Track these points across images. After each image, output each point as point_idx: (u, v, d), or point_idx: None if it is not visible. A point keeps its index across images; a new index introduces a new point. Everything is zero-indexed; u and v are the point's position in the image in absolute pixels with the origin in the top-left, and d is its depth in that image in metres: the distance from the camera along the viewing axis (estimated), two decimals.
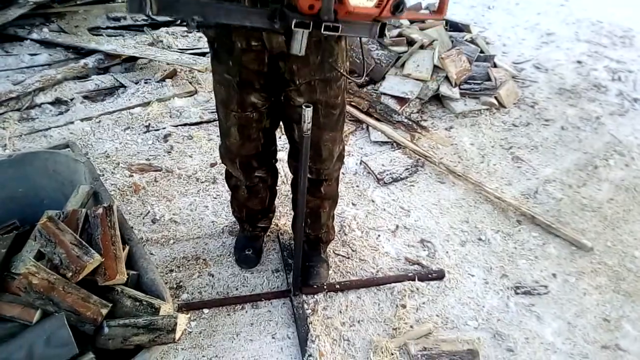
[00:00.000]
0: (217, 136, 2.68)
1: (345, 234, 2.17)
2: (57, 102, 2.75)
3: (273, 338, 1.73)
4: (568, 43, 4.01)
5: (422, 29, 3.34)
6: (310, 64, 1.36)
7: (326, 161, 1.63)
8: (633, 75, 3.59)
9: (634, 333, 1.83)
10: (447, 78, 3.07)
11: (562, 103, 3.22)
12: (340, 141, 1.64)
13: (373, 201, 2.38)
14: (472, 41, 3.39)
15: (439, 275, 2.00)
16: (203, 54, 3.28)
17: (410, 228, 2.26)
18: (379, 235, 2.20)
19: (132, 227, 1.42)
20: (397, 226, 2.26)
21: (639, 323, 1.87)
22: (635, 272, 2.08)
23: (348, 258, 2.07)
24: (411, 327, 1.78)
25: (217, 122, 1.64)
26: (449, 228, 2.27)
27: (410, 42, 3.22)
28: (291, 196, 1.96)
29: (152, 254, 2.00)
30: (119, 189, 2.26)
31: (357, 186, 2.46)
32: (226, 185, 1.91)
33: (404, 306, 1.85)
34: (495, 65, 3.31)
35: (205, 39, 1.47)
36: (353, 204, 2.34)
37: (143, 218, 2.16)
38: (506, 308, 1.89)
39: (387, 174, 2.55)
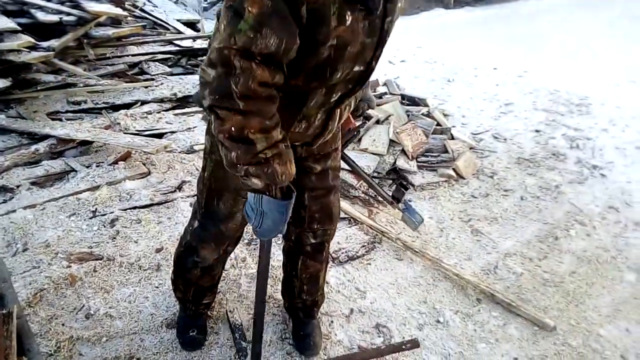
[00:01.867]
0: (168, 218, 2.61)
1: None
2: (2, 189, 2.66)
3: None
4: (526, 112, 4.10)
5: (378, 105, 3.39)
6: (329, 139, 1.47)
7: (334, 221, 1.70)
8: (591, 142, 3.64)
9: None
10: (403, 152, 3.07)
11: (521, 172, 3.22)
12: None
13: (327, 282, 2.26)
14: (429, 114, 3.44)
15: None
16: (159, 135, 3.26)
17: (365, 312, 2.13)
18: (332, 322, 2.06)
19: (34, 335, 1.29)
20: (352, 310, 2.14)
21: None
22: (601, 352, 1.96)
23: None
24: None
25: (205, 210, 1.55)
26: (406, 310, 2.15)
27: (367, 118, 3.25)
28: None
29: (81, 354, 1.84)
30: (53, 281, 2.12)
31: None
32: (174, 266, 1.80)
33: None
34: (452, 137, 3.34)
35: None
36: None
37: (76, 313, 2.01)
38: None
39: (342, 252, 2.46)
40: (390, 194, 2.05)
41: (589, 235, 2.65)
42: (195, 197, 1.65)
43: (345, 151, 3.09)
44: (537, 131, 3.79)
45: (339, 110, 1.34)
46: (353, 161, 1.96)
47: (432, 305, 2.17)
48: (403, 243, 2.49)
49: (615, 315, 2.16)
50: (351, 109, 1.48)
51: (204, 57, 1.06)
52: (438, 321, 2.09)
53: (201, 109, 1.09)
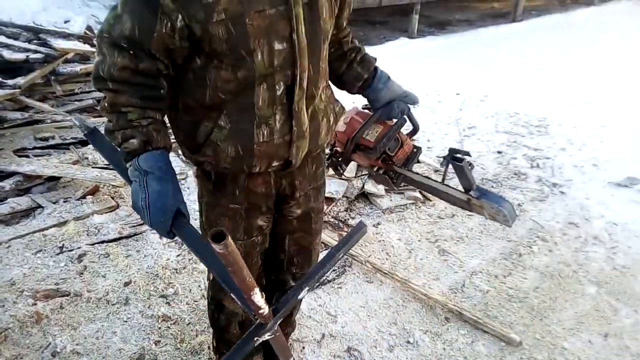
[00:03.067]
0: (137, 251, 2.59)
1: None
2: None
3: None
4: (488, 135, 4.25)
5: None
6: (307, 175, 1.44)
7: (313, 264, 1.65)
8: (550, 161, 3.79)
9: None
10: (371, 175, 3.14)
11: None
12: None
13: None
14: None
15: None
16: None
17: (336, 336, 2.15)
18: (303, 348, 2.07)
19: None
20: (323, 335, 2.15)
21: None
22: None
23: None
24: None
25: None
26: (377, 332, 2.17)
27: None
28: None
29: None
30: (18, 320, 2.08)
31: None
32: (213, 329, 1.75)
33: None
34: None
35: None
36: None
37: (42, 352, 1.97)
38: None
39: None
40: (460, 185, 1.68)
41: (550, 251, 2.74)
42: None
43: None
44: (499, 152, 3.93)
45: (302, 110, 1.23)
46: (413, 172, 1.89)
47: (402, 326, 2.20)
48: (373, 265, 2.54)
49: (578, 327, 2.23)
50: (330, 119, 1.37)
51: None
52: (408, 342, 2.12)
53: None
